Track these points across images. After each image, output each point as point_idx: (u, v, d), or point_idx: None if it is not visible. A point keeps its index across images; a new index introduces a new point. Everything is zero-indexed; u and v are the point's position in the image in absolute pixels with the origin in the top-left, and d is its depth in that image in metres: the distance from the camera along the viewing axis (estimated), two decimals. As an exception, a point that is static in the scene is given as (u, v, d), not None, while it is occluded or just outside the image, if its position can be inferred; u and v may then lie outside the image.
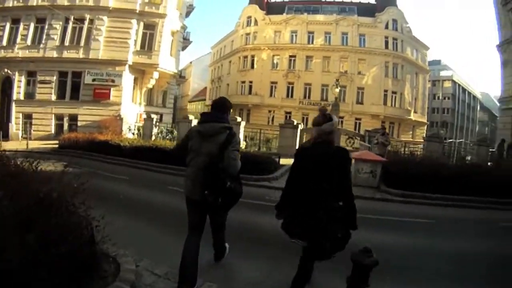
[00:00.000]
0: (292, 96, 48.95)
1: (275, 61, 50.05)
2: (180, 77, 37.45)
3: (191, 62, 76.03)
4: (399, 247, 6.29)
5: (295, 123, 19.51)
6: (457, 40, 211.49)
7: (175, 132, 21.20)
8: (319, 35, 48.94)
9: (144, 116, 24.65)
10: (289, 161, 14.92)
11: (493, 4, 26.54)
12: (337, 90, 25.44)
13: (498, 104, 29.46)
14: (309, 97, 48.26)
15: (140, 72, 28.22)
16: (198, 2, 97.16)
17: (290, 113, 45.89)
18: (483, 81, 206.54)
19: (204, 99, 66.21)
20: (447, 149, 20.64)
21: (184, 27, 33.00)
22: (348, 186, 3.49)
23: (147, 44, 27.67)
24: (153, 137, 20.82)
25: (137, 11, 26.75)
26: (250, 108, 49.65)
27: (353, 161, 11.09)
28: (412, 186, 10.68)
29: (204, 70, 69.69)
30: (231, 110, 4.45)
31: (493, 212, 9.81)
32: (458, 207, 10.11)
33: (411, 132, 48.45)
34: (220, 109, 4.19)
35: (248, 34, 53.19)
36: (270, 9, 52.95)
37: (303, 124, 26.15)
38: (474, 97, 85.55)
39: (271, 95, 49.16)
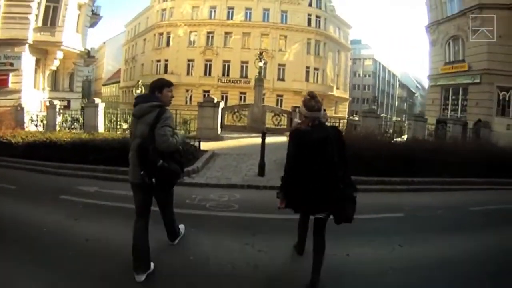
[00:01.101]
0: (210, 74, 46.45)
1: (192, 38, 47.44)
2: (89, 57, 33.02)
3: (104, 42, 71.83)
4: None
5: (215, 101, 16.66)
6: (377, 20, 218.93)
7: (81, 120, 18.34)
8: (239, 11, 47.02)
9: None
10: (212, 146, 13.04)
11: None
12: (261, 64, 23.06)
13: (415, 83, 30.22)
14: (228, 75, 46.29)
15: (43, 52, 24.00)
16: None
17: (208, 91, 43.73)
18: (401, 61, 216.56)
19: (119, 81, 62.26)
20: (382, 125, 19.17)
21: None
22: (346, 157, 3.86)
23: (50, 19, 23.61)
24: (58, 127, 17.55)
25: (40, -19, 22.83)
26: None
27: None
28: (370, 171, 8.75)
29: (118, 50, 65.45)
30: (168, 88, 4.20)
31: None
32: (429, 191, 8.91)
33: (333, 108, 48.46)
34: (150, 89, 4.16)
35: (164, 9, 49.88)
36: (188, -17, 49.60)
37: (223, 102, 23.92)
38: (394, 75, 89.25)
39: (188, 74, 46.64)
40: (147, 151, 3.75)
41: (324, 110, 3.97)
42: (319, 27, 47.72)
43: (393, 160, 8.77)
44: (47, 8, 23.37)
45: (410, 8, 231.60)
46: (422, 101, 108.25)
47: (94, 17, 31.71)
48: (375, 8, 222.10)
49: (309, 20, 47.04)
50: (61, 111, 19.41)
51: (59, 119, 18.64)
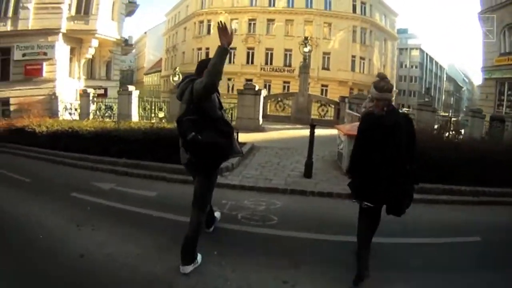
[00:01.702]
0: (252, 62, 45.25)
1: (233, 26, 45.49)
2: (127, 45, 32.68)
3: (145, 32, 72.38)
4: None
5: (257, 89, 15.32)
6: (424, 8, 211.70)
7: (115, 108, 17.80)
8: (281, -3, 45.34)
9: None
10: (252, 137, 11.61)
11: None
12: (306, 49, 21.36)
13: (462, 76, 27.95)
14: (271, 63, 44.94)
15: (77, 41, 23.70)
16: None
17: (251, 80, 41.13)
18: (449, 53, 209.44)
19: (160, 70, 62.21)
20: (440, 119, 17.33)
21: None
22: (416, 151, 3.77)
23: (84, 8, 23.24)
24: (91, 116, 17.31)
25: (72, -30, 22.47)
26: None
27: (343, 138, 8.37)
28: (438, 178, 7.08)
29: (159, 40, 65.18)
30: None
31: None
32: (502, 205, 6.96)
33: None
34: (196, 71, 3.82)
35: (204, -4, 48.87)
36: (228, -30, 48.50)
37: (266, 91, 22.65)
38: (441, 67, 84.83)
39: (230, 62, 44.40)
40: (179, 124, 3.51)
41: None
42: (365, 14, 45.58)
43: (461, 164, 7.08)
44: None
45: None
46: (469, 95, 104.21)
47: (131, 5, 31.33)
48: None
49: (354, 7, 44.95)
50: (95, 99, 19.03)
51: (92, 107, 18.43)
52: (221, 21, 3.51)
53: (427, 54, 75.92)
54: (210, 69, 3.34)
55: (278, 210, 5.73)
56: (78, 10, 23.05)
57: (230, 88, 42.28)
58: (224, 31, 3.36)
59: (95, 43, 23.80)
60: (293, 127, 16.01)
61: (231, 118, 16.16)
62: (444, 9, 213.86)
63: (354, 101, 15.81)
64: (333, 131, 10.99)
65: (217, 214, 4.88)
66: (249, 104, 14.82)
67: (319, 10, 44.23)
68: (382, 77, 3.80)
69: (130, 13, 31.91)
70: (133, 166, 8.07)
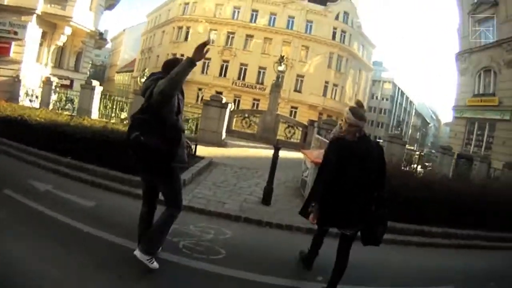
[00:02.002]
0: (225, 75, 45.17)
1: (211, 36, 45.66)
2: (101, 39, 31.71)
3: (124, 30, 71.66)
4: None
5: (223, 101, 14.82)
6: (399, 44, 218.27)
7: (76, 101, 17.02)
8: (263, 15, 45.71)
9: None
10: (212, 152, 11.12)
11: (458, 13, 26.43)
12: (281, 68, 21.12)
13: (431, 112, 28.25)
14: (243, 78, 44.96)
15: (51, 25, 22.72)
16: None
17: (221, 93, 40.37)
18: (420, 89, 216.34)
19: (132, 70, 61.18)
20: (407, 154, 17.35)
21: None
22: (386, 176, 3.79)
23: None
24: (51, 106, 16.55)
25: None
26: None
27: (309, 165, 7.63)
28: (408, 218, 6.74)
29: (137, 40, 64.70)
30: None
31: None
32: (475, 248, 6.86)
33: None
34: (164, 68, 3.67)
35: (186, 3, 48.90)
36: (216, -21, 48.54)
37: (234, 105, 22.29)
38: (411, 102, 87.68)
39: (202, 72, 44.97)
40: (131, 121, 3.54)
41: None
42: (344, 42, 46.34)
43: (432, 204, 6.75)
44: None
45: (434, 33, 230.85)
46: (435, 132, 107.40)
47: None
48: (399, 30, 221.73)
49: (334, 34, 45.72)
50: (58, 89, 18.13)
51: (54, 97, 17.49)
52: (209, 40, 3.84)
53: (399, 88, 78.00)
54: (171, 77, 3.29)
55: (227, 242, 5.02)
56: None
57: (200, 98, 41.45)
58: (202, 47, 3.35)
59: (68, 30, 22.92)
60: (257, 145, 15.72)
61: (194, 129, 15.74)
62: (420, 47, 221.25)
63: (324, 126, 15.38)
64: (298, 155, 10.73)
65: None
66: (213, 117, 14.27)
67: (299, 32, 44.75)
68: (360, 105, 3.92)
69: (110, 6, 30.99)
70: (76, 168, 7.31)
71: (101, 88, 16.71)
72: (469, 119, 24.02)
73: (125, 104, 16.38)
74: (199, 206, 6.17)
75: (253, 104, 42.32)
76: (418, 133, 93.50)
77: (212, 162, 9.78)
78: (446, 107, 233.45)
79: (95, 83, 16.41)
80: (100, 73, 75.94)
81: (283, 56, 23.20)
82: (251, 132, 18.79)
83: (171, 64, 3.62)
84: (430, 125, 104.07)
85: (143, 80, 20.60)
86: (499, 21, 21.51)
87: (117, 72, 69.74)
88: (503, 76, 20.96)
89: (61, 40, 23.25)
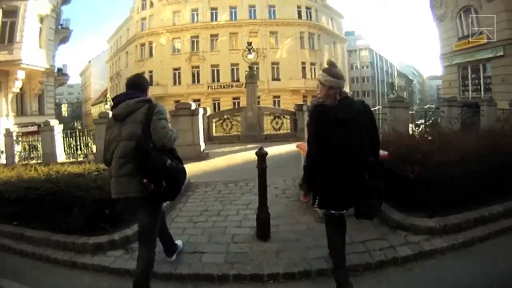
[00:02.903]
0: (199, 81, 43.54)
1: (175, 45, 44.65)
2: (62, 75, 30.08)
3: (89, 62, 70.23)
4: None
5: (192, 107, 12.48)
6: (366, 9, 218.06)
7: (39, 146, 15.32)
8: (223, 11, 44.20)
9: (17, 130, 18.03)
10: (190, 169, 7.24)
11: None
12: (251, 56, 19.50)
13: (412, 70, 27.30)
14: (218, 80, 43.34)
15: (2, 73, 21.38)
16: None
17: (198, 100, 39.57)
18: (396, 49, 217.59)
19: (106, 101, 58.35)
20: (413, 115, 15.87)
21: (56, 10, 25.58)
22: (379, 139, 3.47)
23: (8, 36, 21.19)
24: (17, 158, 15.21)
25: (-7, -6, 20.26)
26: (152, 101, 41.95)
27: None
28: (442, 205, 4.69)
29: (104, 68, 62.89)
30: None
31: None
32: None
33: None
34: (132, 87, 3.60)
35: (143, 18, 47.07)
36: (168, -12, 46.83)
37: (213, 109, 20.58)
38: (391, 64, 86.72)
39: (175, 83, 43.64)
40: (147, 152, 3.18)
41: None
42: (311, 18, 44.84)
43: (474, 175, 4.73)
44: (3, 24, 21.15)
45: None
46: (420, 88, 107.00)
47: (63, 31, 28.93)
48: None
49: (299, 13, 44.24)
50: (20, 138, 16.38)
51: (17, 148, 15.80)
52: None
53: (376, 53, 76.84)
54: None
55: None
56: (1, 39, 21.03)
57: (177, 111, 40.28)
58: None
59: (21, 74, 21.48)
60: (244, 147, 13.73)
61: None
62: (388, 7, 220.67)
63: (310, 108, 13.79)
64: (291, 147, 9.15)
65: (178, 242, 4.41)
66: (185, 128, 11.86)
67: (264, 20, 43.22)
68: (333, 64, 3.53)
69: (64, 40, 29.61)
70: (17, 237, 5.54)
71: (61, 126, 15.00)
72: (460, 64, 22.93)
73: (88, 137, 14.66)
74: (165, 270, 4.06)
75: (234, 103, 40.32)
76: (405, 93, 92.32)
77: (190, 184, 7.62)
78: (426, 60, 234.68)
79: (53, 122, 14.67)
80: (77, 110, 76.18)
81: (250, 42, 21.24)
82: (235, 133, 17.00)
83: (136, 81, 3.66)
84: (414, 82, 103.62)
85: (107, 106, 18.98)
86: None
87: (93, 105, 67.78)
88: (485, 11, 19.72)
89: (17, 86, 21.83)
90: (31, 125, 20.04)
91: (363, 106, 3.37)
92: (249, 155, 11.63)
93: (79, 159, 13.68)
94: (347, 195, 3.16)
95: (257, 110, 17.10)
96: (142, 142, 3.19)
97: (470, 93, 22.00)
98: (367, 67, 73.97)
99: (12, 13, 21.12)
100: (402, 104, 12.89)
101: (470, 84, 22.32)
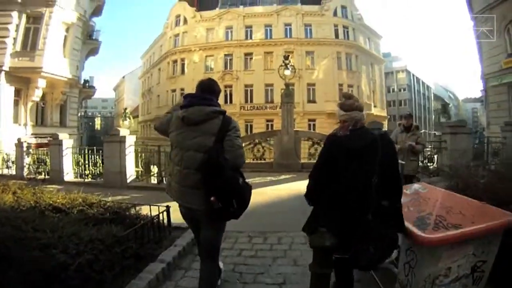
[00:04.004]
0: (231, 101, 41.47)
1: (208, 63, 43.46)
2: (87, 87, 29.16)
3: (123, 77, 71.26)
4: None
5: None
6: (403, 30, 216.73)
7: (48, 160, 14.19)
8: (258, 29, 42.97)
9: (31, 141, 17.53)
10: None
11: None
12: (288, 72, 17.76)
13: (448, 93, 25.51)
14: (251, 101, 41.68)
15: (23, 81, 20.83)
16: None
17: None
18: (432, 71, 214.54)
19: (137, 116, 59.16)
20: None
21: (83, 19, 24.65)
22: (400, 180, 3.10)
23: (31, 43, 20.82)
24: (25, 170, 14.48)
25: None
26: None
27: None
28: None
29: (137, 84, 63.21)
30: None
31: None
32: None
33: None
34: (208, 90, 3.31)
35: (177, 35, 46.26)
36: (201, 5, 45.81)
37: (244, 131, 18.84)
38: (428, 86, 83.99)
39: (205, 103, 41.87)
40: (221, 169, 2.91)
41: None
42: (348, 38, 43.02)
43: None
44: (27, 30, 20.85)
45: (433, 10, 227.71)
46: (456, 111, 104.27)
47: (92, 43, 28.46)
48: (398, 16, 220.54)
49: (336, 32, 42.50)
50: (31, 150, 15.51)
51: (27, 160, 14.89)
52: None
53: (413, 75, 74.54)
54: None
55: None
56: (24, 45, 20.64)
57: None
58: None
59: (42, 83, 21.01)
60: (276, 178, 11.79)
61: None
62: (423, 27, 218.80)
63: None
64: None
65: (220, 264, 3.97)
66: (113, 155, 11.39)
67: (300, 39, 41.63)
68: (347, 96, 3.22)
69: (92, 52, 29.51)
70: None
71: (71, 141, 13.87)
72: (511, 84, 20.40)
73: (97, 156, 13.10)
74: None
75: (267, 125, 38.69)
76: (440, 116, 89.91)
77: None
78: (461, 82, 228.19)
79: (62, 136, 13.53)
80: (110, 124, 77.12)
81: (288, 56, 19.13)
82: (267, 161, 15.26)
83: (211, 85, 3.36)
84: (450, 105, 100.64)
85: (126, 122, 17.49)
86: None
87: (123, 121, 68.10)
88: None
89: (37, 94, 21.35)
90: (50, 137, 19.10)
91: (382, 138, 3.02)
92: (283, 188, 9.86)
93: (86, 180, 12.45)
94: (341, 235, 2.81)
95: (293, 134, 15.11)
96: (215, 158, 2.94)
97: (523, 114, 19.47)
98: (404, 89, 71.58)
99: (36, 19, 20.79)
100: (464, 129, 10.91)
101: (523, 105, 19.80)
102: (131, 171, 11.76)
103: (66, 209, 5.21)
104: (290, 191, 8.93)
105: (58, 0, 20.96)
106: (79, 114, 30.59)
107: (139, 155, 12.48)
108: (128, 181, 11.45)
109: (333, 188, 2.86)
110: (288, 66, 17.31)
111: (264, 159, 15.46)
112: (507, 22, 19.74)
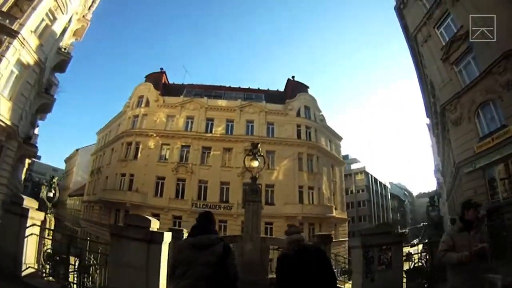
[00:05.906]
0: (183, 196, 39.05)
1: (164, 152, 41.26)
2: (28, 144, 24.00)
3: (77, 150, 67.81)
4: None
5: (25, 204, 8.61)
6: (360, 132, 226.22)
7: None
8: (219, 123, 42.23)
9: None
10: None
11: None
12: (256, 164, 13.98)
13: (403, 190, 24.47)
14: (204, 198, 39.03)
15: None
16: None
17: (180, 218, 36.37)
18: (388, 171, 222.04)
19: (82, 194, 54.60)
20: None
21: (41, 66, 21.54)
22: (335, 280, 4.22)
23: None
24: None
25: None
26: (129, 209, 37.02)
27: None
28: None
29: (89, 161, 59.54)
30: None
31: None
32: None
33: (333, 231, 39.86)
34: (210, 221, 4.39)
35: (136, 116, 43.78)
36: (167, 90, 45.47)
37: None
38: (385, 186, 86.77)
39: (156, 194, 39.11)
40: (223, 281, 3.88)
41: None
42: (310, 139, 42.74)
43: None
44: None
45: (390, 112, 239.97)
46: (411, 207, 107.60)
47: (47, 98, 26.01)
48: (356, 119, 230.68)
49: (299, 132, 42.27)
50: None
51: None
52: None
53: (371, 176, 76.95)
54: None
55: None
56: None
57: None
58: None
59: None
60: None
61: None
62: (379, 128, 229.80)
63: (372, 241, 9.12)
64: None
65: None
66: (131, 263, 7.12)
67: (261, 137, 40.36)
68: (290, 225, 4.73)
69: (45, 109, 27.46)
70: None
71: (41, 215, 9.27)
72: (487, 167, 19.59)
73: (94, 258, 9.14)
74: None
75: (219, 227, 35.37)
76: (398, 214, 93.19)
77: None
78: (415, 179, 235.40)
79: (26, 203, 8.81)
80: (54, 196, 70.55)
81: (257, 144, 14.82)
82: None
83: (210, 217, 4.42)
84: (405, 202, 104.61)
85: (50, 194, 13.11)
86: (478, 50, 19.05)
87: (69, 196, 63.42)
88: (507, 101, 17.58)
89: None
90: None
91: (317, 254, 4.14)
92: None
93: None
94: None
95: (260, 241, 12.24)
96: (218, 272, 3.86)
97: (501, 195, 18.44)
98: (362, 190, 73.00)
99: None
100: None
101: (499, 186, 18.88)
102: (30, 261, 8.31)
103: None
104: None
105: (24, 34, 18.61)
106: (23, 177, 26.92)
107: (43, 241, 8.89)
108: (23, 274, 8.01)
109: None
110: (257, 156, 14.28)
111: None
112: (476, 106, 19.80)
